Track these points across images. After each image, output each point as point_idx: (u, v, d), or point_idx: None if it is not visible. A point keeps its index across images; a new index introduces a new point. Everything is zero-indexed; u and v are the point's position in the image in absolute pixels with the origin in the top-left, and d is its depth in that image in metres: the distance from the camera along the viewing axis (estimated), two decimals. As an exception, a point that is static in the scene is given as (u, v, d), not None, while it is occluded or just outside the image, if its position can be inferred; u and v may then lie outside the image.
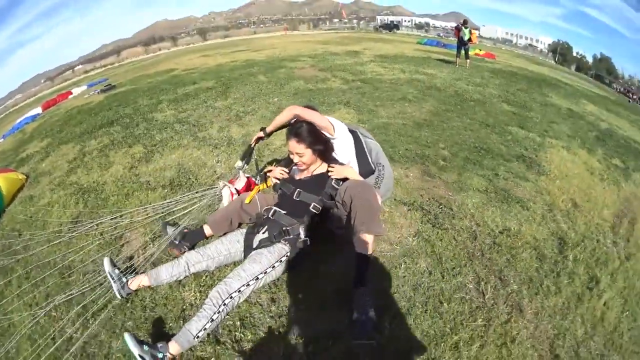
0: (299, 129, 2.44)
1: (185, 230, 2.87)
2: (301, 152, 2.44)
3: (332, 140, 2.55)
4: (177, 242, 2.75)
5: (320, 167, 2.57)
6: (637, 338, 2.42)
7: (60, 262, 2.92)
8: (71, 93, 17.13)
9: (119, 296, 2.33)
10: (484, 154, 4.76)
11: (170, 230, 2.94)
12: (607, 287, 2.71)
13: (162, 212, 3.39)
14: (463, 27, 14.28)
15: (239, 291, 2.09)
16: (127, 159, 4.93)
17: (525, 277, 2.58)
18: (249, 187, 3.25)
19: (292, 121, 2.62)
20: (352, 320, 2.05)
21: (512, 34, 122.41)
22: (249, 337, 2.09)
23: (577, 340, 2.23)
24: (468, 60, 14.26)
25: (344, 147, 2.58)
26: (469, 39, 14.38)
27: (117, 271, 2.39)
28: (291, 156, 2.53)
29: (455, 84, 9.55)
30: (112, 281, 2.34)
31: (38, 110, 14.71)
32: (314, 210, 2.44)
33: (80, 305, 2.39)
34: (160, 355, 1.85)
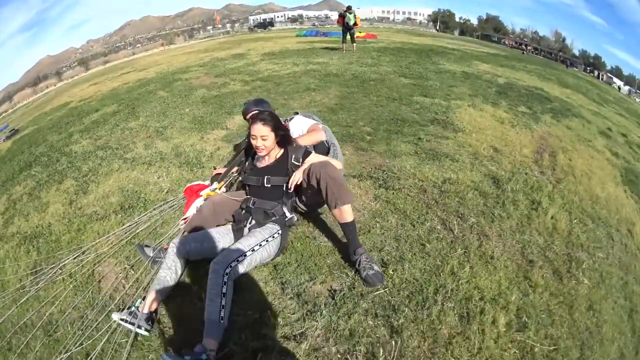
0: (263, 114, 2.89)
1: (165, 247, 3.07)
2: (265, 135, 2.80)
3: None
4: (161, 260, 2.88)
5: (279, 152, 2.96)
6: (593, 237, 3.34)
7: (38, 320, 2.89)
8: None
9: (144, 332, 2.43)
10: (401, 124, 5.54)
11: (148, 251, 3.08)
12: (548, 205, 3.59)
13: (127, 237, 3.50)
14: (347, 13, 15.50)
15: (237, 260, 2.40)
16: (61, 195, 4.98)
17: (478, 211, 3.29)
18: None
19: (252, 111, 3.33)
20: (363, 277, 2.54)
21: (388, 12, 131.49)
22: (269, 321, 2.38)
23: (541, 247, 3.00)
24: (354, 45, 15.59)
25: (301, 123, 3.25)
26: (355, 24, 15.66)
27: (126, 313, 2.48)
28: (253, 141, 2.87)
29: (350, 67, 10.62)
30: (130, 324, 2.42)
31: None
32: (289, 190, 2.84)
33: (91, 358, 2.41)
34: (204, 357, 2.01)
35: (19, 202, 5.41)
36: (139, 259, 3.17)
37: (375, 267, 2.56)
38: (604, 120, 8.59)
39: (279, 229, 2.75)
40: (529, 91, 9.31)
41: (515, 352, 2.14)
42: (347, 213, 2.59)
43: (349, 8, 15.77)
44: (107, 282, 3.06)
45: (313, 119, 3.40)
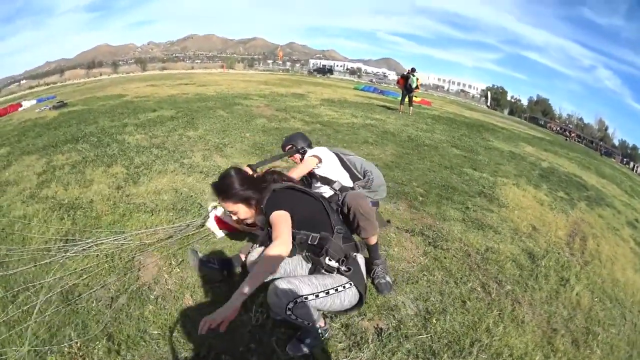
0: (221, 182, 2.42)
1: (223, 257, 3.25)
2: (234, 211, 2.41)
3: (319, 165, 3.27)
4: (216, 267, 2.98)
5: None
6: (609, 315, 3.62)
7: (57, 285, 2.86)
8: (21, 105, 18.15)
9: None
10: (451, 191, 5.90)
11: (196, 257, 3.06)
12: (575, 284, 3.89)
13: (179, 235, 3.57)
14: (412, 75, 15.70)
15: (306, 298, 2.10)
16: (109, 178, 5.20)
17: (514, 280, 3.61)
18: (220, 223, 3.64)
19: (287, 145, 3.63)
20: (375, 284, 3.03)
21: (444, 80, 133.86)
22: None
23: (565, 318, 3.30)
24: (411, 108, 15.90)
25: (330, 166, 3.33)
26: (416, 87, 15.89)
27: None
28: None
29: (406, 129, 11.13)
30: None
31: (-15, 118, 15.15)
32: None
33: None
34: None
35: (60, 170, 5.62)
36: (185, 259, 3.24)
37: (387, 278, 3.05)
38: (633, 212, 8.74)
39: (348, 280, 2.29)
40: (568, 177, 9.59)
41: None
42: (371, 240, 2.96)
43: (412, 70, 15.90)
44: (147, 272, 3.09)
45: (327, 151, 3.40)
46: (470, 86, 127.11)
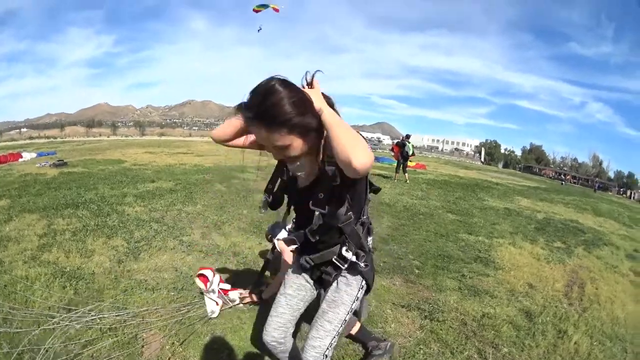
0: (259, 105, 1.56)
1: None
2: (282, 145, 1.64)
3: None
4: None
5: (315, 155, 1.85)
6: (610, 353, 3.82)
7: (63, 353, 2.91)
8: (21, 156, 18.98)
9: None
10: (447, 260, 6.12)
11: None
12: (573, 333, 4.08)
13: (179, 317, 3.65)
14: (407, 142, 15.98)
15: (331, 345, 2.03)
16: (110, 251, 5.28)
17: (510, 342, 3.79)
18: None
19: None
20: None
21: (438, 140, 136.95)
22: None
23: None
24: (406, 175, 16.11)
25: None
26: (413, 153, 16.12)
27: None
28: (268, 151, 1.79)
29: (401, 199, 11.50)
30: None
31: (-13, 160, 15.75)
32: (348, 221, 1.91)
33: None
34: None
35: (61, 235, 5.73)
36: (188, 338, 3.32)
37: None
38: (632, 243, 9.09)
39: (361, 281, 2.11)
40: (564, 225, 9.94)
41: None
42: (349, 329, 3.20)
43: (407, 137, 16.25)
44: (150, 350, 3.13)
45: None
46: (464, 144, 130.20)
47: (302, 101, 1.56)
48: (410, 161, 17.04)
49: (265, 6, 20.47)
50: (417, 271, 5.57)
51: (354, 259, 2.02)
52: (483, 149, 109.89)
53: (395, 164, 16.88)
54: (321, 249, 2.06)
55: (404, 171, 16.15)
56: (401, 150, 16.08)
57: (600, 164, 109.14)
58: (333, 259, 2.04)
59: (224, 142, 1.96)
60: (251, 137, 1.93)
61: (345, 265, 2.04)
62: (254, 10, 20.64)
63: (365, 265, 2.05)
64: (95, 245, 5.47)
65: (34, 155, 20.25)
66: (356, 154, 1.43)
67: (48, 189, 9.40)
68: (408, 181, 15.74)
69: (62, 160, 15.28)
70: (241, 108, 1.63)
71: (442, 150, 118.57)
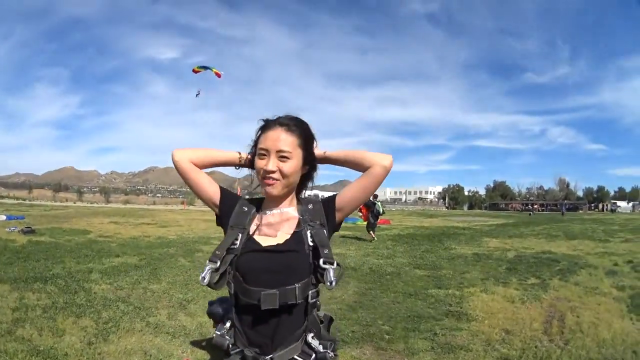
0: (287, 117, 1.63)
1: None
2: (288, 151, 1.56)
3: None
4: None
5: (290, 205, 1.69)
6: None
7: None
8: None
9: None
10: (418, 320, 5.84)
11: None
12: None
13: None
14: (376, 201, 15.87)
15: None
16: (80, 332, 5.07)
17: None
18: None
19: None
20: None
21: (400, 192, 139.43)
22: None
23: None
24: (372, 233, 15.92)
25: None
26: (383, 212, 16.09)
27: None
28: (261, 162, 1.58)
29: (367, 260, 11.20)
30: None
31: (-48, 216, 16.88)
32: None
33: None
34: None
35: (32, 311, 5.69)
36: None
37: None
38: (611, 258, 9.26)
39: None
40: (537, 258, 10.02)
41: None
42: None
43: (375, 197, 16.13)
44: None
45: None
46: (427, 192, 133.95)
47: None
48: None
49: (205, 68, 20.64)
50: (387, 337, 5.25)
51: (321, 348, 1.60)
52: (447, 195, 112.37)
53: (365, 224, 16.57)
54: (281, 342, 1.54)
55: (372, 230, 15.96)
56: (371, 209, 15.92)
57: (567, 185, 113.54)
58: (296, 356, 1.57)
59: (188, 162, 1.69)
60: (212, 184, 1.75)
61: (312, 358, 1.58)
62: (193, 71, 20.58)
63: (334, 355, 1.64)
64: (66, 324, 5.35)
65: (3, 217, 20.43)
66: (377, 155, 1.65)
67: (17, 258, 9.54)
68: (375, 239, 15.55)
69: (31, 227, 15.56)
70: (266, 120, 1.65)
71: (405, 201, 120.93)
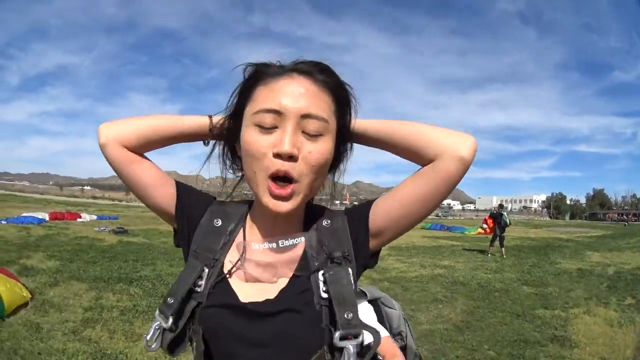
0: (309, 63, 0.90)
1: None
2: (323, 118, 0.86)
3: None
4: None
5: (298, 225, 1.01)
6: None
7: None
8: (80, 216, 19.22)
9: None
10: (523, 345, 6.01)
11: None
12: None
13: None
14: (502, 212, 14.94)
15: None
16: None
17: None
18: None
19: None
20: None
21: (506, 200, 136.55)
22: None
23: None
24: (503, 249, 14.96)
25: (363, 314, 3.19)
26: (510, 223, 15.02)
27: None
28: (261, 141, 0.84)
29: (476, 274, 11.25)
30: None
31: (45, 216, 16.36)
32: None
33: None
34: None
35: (107, 312, 5.57)
36: None
37: None
38: None
39: None
40: (633, 275, 10.07)
41: None
42: None
43: (501, 207, 15.47)
44: None
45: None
46: (531, 200, 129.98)
47: None
48: (480, 227, 17.08)
49: None
50: (492, 363, 5.62)
51: None
52: (551, 204, 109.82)
53: (491, 237, 15.50)
54: None
55: (502, 244, 14.82)
56: (498, 221, 14.77)
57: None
58: None
59: (118, 147, 1.00)
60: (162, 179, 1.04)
61: None
62: None
63: None
64: (143, 329, 4.91)
65: (94, 217, 20.53)
66: (448, 136, 0.92)
67: (103, 257, 9.33)
68: (505, 255, 14.58)
69: (123, 227, 15.39)
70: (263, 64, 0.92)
71: (511, 210, 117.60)
